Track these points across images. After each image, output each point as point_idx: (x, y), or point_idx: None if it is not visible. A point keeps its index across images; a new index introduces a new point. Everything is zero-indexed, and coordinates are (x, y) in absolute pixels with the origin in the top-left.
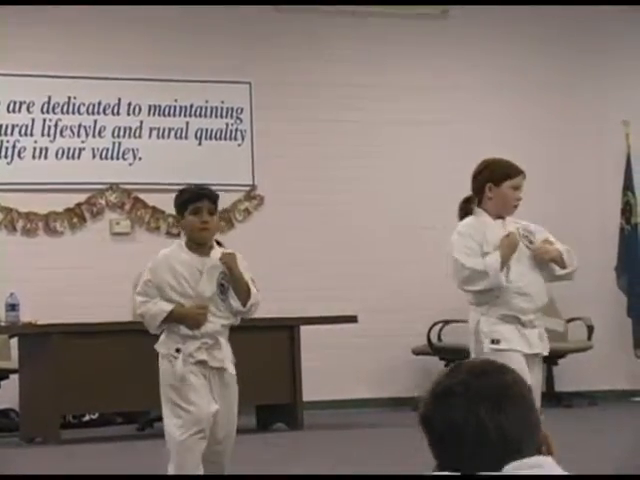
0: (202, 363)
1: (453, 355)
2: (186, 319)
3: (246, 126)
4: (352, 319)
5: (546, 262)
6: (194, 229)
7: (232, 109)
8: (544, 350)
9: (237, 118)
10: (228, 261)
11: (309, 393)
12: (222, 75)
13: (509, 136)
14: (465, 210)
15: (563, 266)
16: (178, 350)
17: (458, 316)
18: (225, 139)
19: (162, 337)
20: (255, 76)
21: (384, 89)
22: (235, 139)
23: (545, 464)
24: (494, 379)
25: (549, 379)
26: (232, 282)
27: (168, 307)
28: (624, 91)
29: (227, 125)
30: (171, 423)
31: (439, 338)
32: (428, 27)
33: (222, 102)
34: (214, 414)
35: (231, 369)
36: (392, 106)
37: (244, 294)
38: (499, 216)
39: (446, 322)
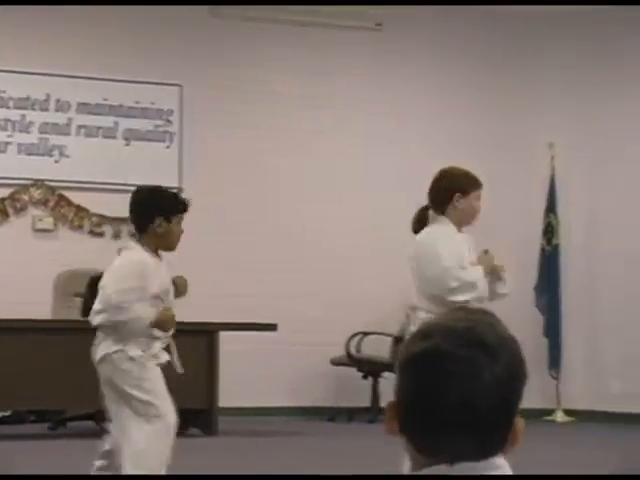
0: (161, 364)
1: (371, 367)
2: (166, 323)
3: (175, 129)
4: (272, 327)
5: (494, 273)
6: (175, 240)
7: (162, 111)
8: None
9: (167, 120)
10: (180, 286)
11: (226, 399)
12: (153, 76)
13: (438, 151)
14: (422, 220)
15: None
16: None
17: (377, 328)
18: (153, 140)
19: (123, 340)
20: (186, 79)
21: (317, 98)
22: (163, 141)
23: (504, 465)
24: (514, 352)
25: None
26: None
27: (152, 311)
28: (551, 113)
29: (156, 127)
30: (137, 427)
31: (358, 349)
32: (363, 39)
33: (152, 103)
34: None
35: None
36: (323, 115)
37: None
38: (462, 227)
39: (365, 334)
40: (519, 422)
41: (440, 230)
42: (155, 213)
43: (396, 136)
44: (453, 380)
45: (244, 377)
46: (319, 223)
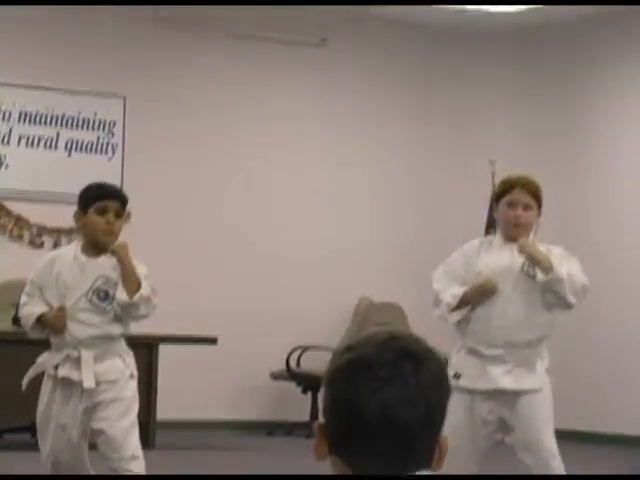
0: (66, 380)
1: (310, 382)
2: (47, 323)
3: (118, 140)
4: (211, 340)
5: (528, 257)
6: (95, 231)
7: (105, 122)
8: (511, 385)
9: (109, 132)
10: (118, 250)
11: (164, 412)
12: (96, 87)
13: (379, 167)
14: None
15: (547, 272)
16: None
17: (318, 342)
18: (96, 152)
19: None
20: (130, 91)
21: (258, 112)
22: (106, 153)
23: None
24: (438, 363)
25: None
26: (121, 274)
27: (39, 310)
28: (492, 129)
29: (99, 138)
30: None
31: (297, 363)
32: (308, 54)
33: (95, 114)
34: (98, 435)
35: (93, 383)
36: (268, 129)
37: (132, 286)
38: (510, 238)
39: (306, 348)
40: (446, 440)
41: (469, 243)
42: (79, 210)
43: (341, 151)
44: (379, 386)
45: (183, 390)
46: (260, 236)
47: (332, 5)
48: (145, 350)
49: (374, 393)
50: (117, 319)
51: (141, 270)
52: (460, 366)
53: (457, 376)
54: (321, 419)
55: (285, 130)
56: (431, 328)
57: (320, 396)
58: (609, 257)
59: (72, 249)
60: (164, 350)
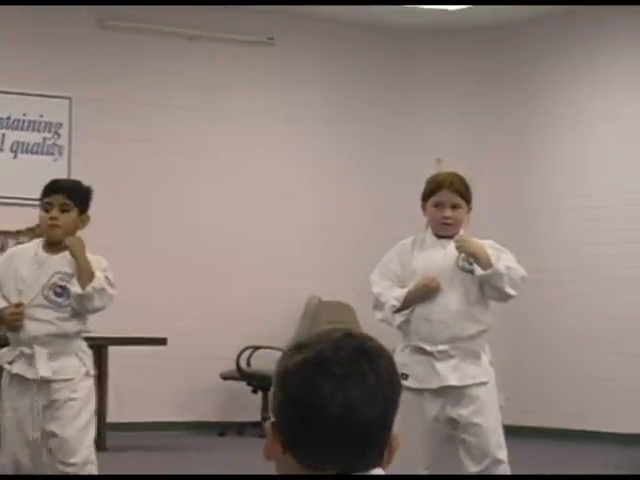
0: (20, 377)
1: (261, 381)
2: (4, 320)
3: (64, 142)
4: (161, 341)
5: (468, 254)
6: (42, 226)
7: (51, 124)
8: (459, 381)
9: (55, 133)
10: (71, 245)
11: (115, 414)
12: (42, 89)
13: (327, 166)
14: None
15: (486, 267)
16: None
17: (268, 342)
18: (42, 153)
19: None
20: (76, 92)
21: (206, 112)
22: (52, 154)
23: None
24: (390, 360)
25: None
26: (77, 268)
27: None
28: (438, 127)
29: (44, 140)
30: None
31: (248, 363)
32: (256, 53)
33: (41, 116)
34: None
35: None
36: (217, 128)
37: (85, 278)
38: (441, 236)
39: (256, 348)
40: (396, 438)
41: (401, 242)
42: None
43: (289, 150)
44: (340, 384)
45: (134, 392)
46: (209, 237)
47: (279, 5)
48: (95, 352)
49: (336, 392)
50: (75, 316)
51: (101, 264)
52: (406, 365)
53: (404, 377)
54: (272, 418)
55: (233, 129)
56: (381, 326)
57: (270, 395)
58: (548, 252)
59: (33, 246)
60: (114, 352)
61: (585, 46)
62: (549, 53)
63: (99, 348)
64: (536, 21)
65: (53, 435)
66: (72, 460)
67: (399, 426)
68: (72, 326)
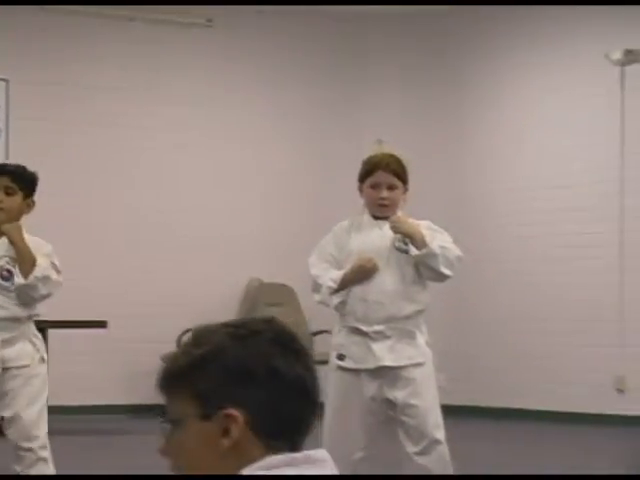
0: None
1: None
2: None
3: (1, 124)
4: (102, 324)
5: (403, 235)
6: None
7: None
8: (394, 362)
9: None
10: (8, 231)
11: (57, 398)
12: None
13: (270, 149)
14: None
15: (421, 247)
16: None
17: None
18: None
19: None
20: (13, 74)
21: (148, 93)
22: None
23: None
24: None
25: None
26: (16, 256)
27: None
28: (380, 112)
29: None
30: None
31: None
32: (195, 36)
33: None
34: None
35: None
36: (153, 111)
37: (26, 267)
38: (377, 217)
39: None
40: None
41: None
42: None
43: (228, 132)
44: (303, 359)
45: (74, 375)
46: (150, 219)
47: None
48: None
49: (307, 369)
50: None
51: (43, 248)
52: (343, 346)
53: (341, 357)
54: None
55: (172, 111)
56: (320, 308)
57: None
58: (486, 233)
59: None
60: (55, 335)
61: (523, 30)
62: (486, 37)
63: (40, 331)
64: (476, 6)
65: (12, 420)
66: (31, 445)
67: (337, 406)
68: (22, 310)
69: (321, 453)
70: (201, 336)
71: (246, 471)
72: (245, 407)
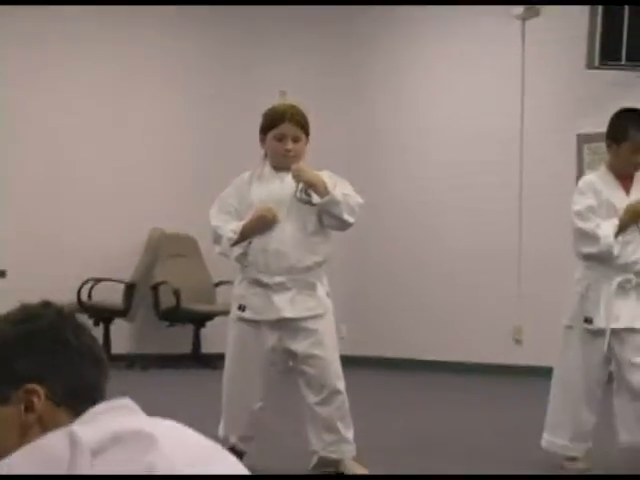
0: None
1: (102, 314)
2: None
3: None
4: (0, 274)
5: (306, 183)
6: None
7: None
8: (295, 313)
9: None
10: None
11: None
12: None
13: (169, 100)
14: None
15: (323, 195)
16: None
17: (110, 275)
18: None
19: None
20: None
21: (40, 49)
22: None
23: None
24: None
25: (196, 342)
26: None
27: None
28: (280, 61)
29: None
30: None
31: (89, 296)
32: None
33: None
34: None
35: None
36: (49, 63)
37: None
38: (280, 169)
39: (97, 280)
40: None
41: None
42: None
43: (129, 84)
44: (87, 330)
45: None
46: (49, 170)
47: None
48: None
49: (93, 340)
50: None
51: None
52: (244, 297)
53: (242, 308)
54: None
55: (75, 62)
56: (223, 258)
57: (112, 328)
58: (391, 185)
59: None
60: None
61: None
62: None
63: None
64: None
65: None
66: None
67: (237, 357)
68: None
69: (123, 400)
70: None
71: (75, 425)
72: (43, 380)
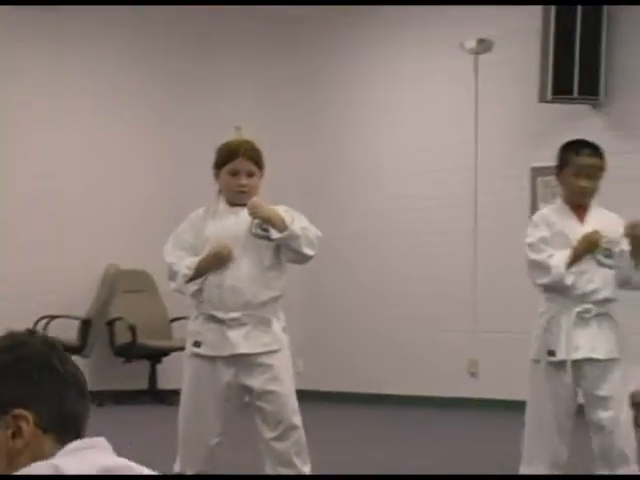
0: None
1: None
2: None
3: None
4: None
5: (263, 219)
6: None
7: None
8: (250, 349)
9: None
10: None
11: None
12: None
13: (130, 135)
14: None
15: (282, 230)
16: None
17: (65, 311)
18: None
19: None
20: None
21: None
22: None
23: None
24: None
25: (152, 378)
26: None
27: None
28: (235, 97)
29: None
30: None
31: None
32: (43, 19)
33: None
34: None
35: None
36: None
37: None
38: (235, 204)
39: (52, 317)
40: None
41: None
42: None
43: (87, 122)
44: (70, 359)
45: None
46: (7, 202)
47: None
48: None
49: (76, 368)
50: None
51: None
52: (199, 333)
53: (197, 344)
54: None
55: (30, 92)
56: (178, 294)
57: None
58: (347, 218)
59: None
60: None
61: (378, 20)
62: (339, 26)
63: None
64: None
65: None
66: None
67: (192, 393)
68: None
69: (100, 440)
70: None
71: (57, 459)
72: (30, 406)
